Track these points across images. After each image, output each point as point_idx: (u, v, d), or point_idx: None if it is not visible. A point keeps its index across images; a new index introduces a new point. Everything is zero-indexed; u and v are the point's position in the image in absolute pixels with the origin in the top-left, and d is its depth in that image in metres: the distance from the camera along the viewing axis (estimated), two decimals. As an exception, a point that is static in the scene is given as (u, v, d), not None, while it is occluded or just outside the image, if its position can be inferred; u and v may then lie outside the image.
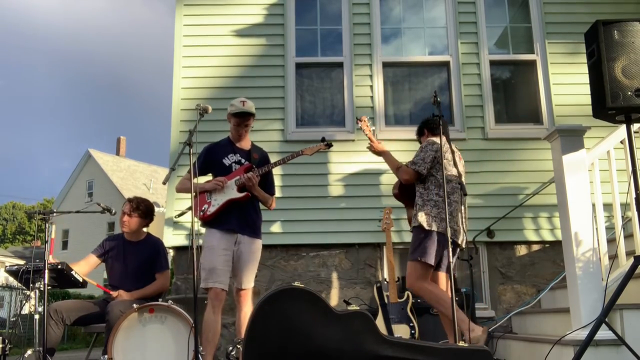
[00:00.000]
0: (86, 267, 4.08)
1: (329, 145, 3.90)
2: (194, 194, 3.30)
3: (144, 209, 4.12)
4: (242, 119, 3.78)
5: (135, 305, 3.42)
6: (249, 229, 3.74)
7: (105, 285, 4.15)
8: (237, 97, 4.85)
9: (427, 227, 3.66)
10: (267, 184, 3.89)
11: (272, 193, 3.94)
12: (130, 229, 4.09)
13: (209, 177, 3.88)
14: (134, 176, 31.81)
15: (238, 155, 3.83)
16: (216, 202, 3.68)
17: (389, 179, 5.10)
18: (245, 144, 3.90)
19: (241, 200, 3.69)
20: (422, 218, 3.68)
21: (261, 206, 3.92)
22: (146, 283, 4.03)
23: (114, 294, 3.93)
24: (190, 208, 3.83)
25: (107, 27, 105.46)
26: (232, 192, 3.70)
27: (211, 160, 3.80)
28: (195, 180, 3.39)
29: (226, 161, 3.80)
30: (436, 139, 3.83)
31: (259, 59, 5.52)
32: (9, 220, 48.97)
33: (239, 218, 3.70)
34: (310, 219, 5.19)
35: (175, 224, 5.09)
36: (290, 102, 5.43)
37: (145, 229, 4.22)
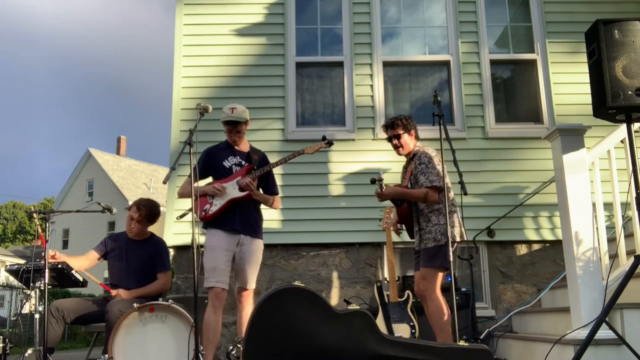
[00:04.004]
0: (86, 263, 4.11)
1: (330, 144, 3.89)
2: (194, 195, 3.31)
3: (152, 216, 4.17)
4: (232, 126, 3.78)
5: (135, 305, 3.42)
6: (251, 229, 3.75)
7: (106, 284, 4.15)
8: (237, 96, 4.86)
9: (459, 239, 3.69)
10: (268, 184, 3.89)
11: (275, 192, 3.94)
12: (135, 232, 4.12)
13: (209, 179, 3.88)
14: (135, 175, 31.79)
15: (238, 157, 3.84)
16: (218, 201, 3.68)
17: (390, 179, 5.09)
18: (244, 147, 3.91)
19: (243, 199, 3.69)
20: (453, 232, 3.65)
21: (263, 206, 3.91)
22: (147, 282, 4.04)
23: (113, 292, 3.94)
24: (191, 209, 3.83)
25: (104, 27, 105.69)
26: (233, 192, 3.70)
27: (211, 163, 3.81)
28: (195, 184, 3.40)
29: (226, 163, 3.80)
30: (428, 149, 3.86)
31: (259, 59, 5.52)
32: (10, 220, 48.97)
33: (241, 217, 3.70)
34: (310, 218, 5.19)
35: (176, 224, 5.09)
36: (290, 101, 5.43)
37: (148, 229, 4.24)
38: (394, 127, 3.94)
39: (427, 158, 3.78)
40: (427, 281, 3.71)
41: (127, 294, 3.93)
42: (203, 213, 3.68)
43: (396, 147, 3.96)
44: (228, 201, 3.68)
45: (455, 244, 3.73)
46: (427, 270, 3.72)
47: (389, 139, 3.98)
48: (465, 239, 3.79)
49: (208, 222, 3.72)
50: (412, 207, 3.89)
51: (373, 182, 3.86)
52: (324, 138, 3.88)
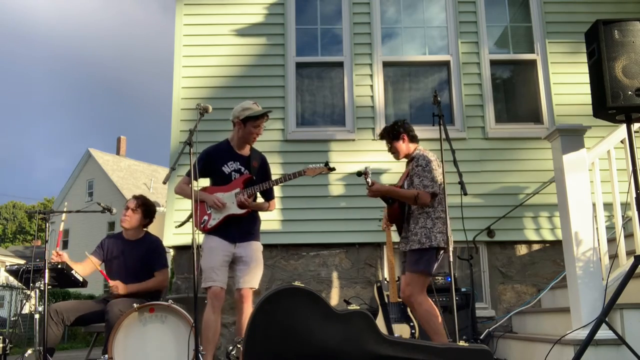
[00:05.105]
0: (87, 268, 4.09)
1: (332, 170, 3.87)
2: (194, 198, 3.30)
3: (147, 208, 4.18)
4: (262, 120, 3.77)
5: (135, 305, 3.41)
6: (248, 236, 3.74)
7: (105, 283, 4.16)
8: (237, 96, 4.84)
9: (444, 246, 3.63)
10: (266, 191, 3.87)
11: (271, 198, 3.93)
12: (131, 224, 4.11)
13: (207, 181, 3.86)
14: (134, 176, 31.79)
15: (238, 163, 3.78)
16: (216, 215, 3.67)
17: (389, 179, 5.10)
18: (245, 150, 3.86)
19: (241, 216, 3.69)
20: (439, 238, 3.63)
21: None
22: (144, 281, 4.04)
23: (111, 283, 3.94)
24: (190, 216, 3.81)
25: (103, 27, 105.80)
26: (232, 207, 3.67)
27: (211, 166, 3.76)
28: (195, 183, 3.39)
29: (226, 169, 3.76)
30: (428, 152, 3.85)
31: (259, 59, 5.52)
32: (10, 220, 48.97)
33: (238, 229, 3.70)
34: (310, 218, 5.19)
35: (176, 224, 5.09)
36: (290, 101, 5.43)
37: (144, 229, 4.24)
38: (382, 139, 4.06)
39: (424, 161, 3.76)
40: (411, 287, 3.68)
41: (124, 286, 3.92)
42: (202, 225, 3.68)
43: (392, 154, 4.04)
44: (226, 216, 3.66)
45: (442, 252, 3.66)
46: (411, 276, 3.70)
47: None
48: (450, 248, 3.68)
49: (205, 233, 3.72)
50: (403, 207, 3.88)
51: (359, 175, 3.88)
52: (326, 164, 3.87)
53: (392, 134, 3.95)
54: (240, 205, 3.66)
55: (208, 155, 3.81)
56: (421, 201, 3.69)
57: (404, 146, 3.95)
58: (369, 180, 3.79)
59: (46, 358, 3.52)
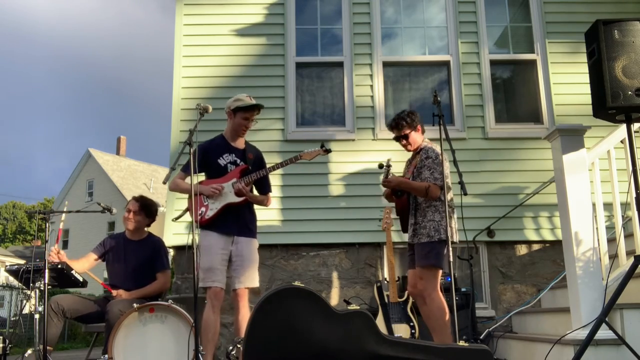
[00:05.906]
0: (85, 265, 4.11)
1: (328, 151, 3.86)
2: (193, 196, 3.29)
3: (149, 209, 4.18)
4: (252, 112, 3.77)
5: (135, 305, 3.41)
6: (246, 230, 3.74)
7: (106, 284, 4.16)
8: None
9: (453, 239, 3.64)
10: (263, 184, 3.88)
11: (268, 191, 3.93)
12: (134, 226, 4.11)
13: (203, 176, 3.86)
14: (134, 176, 31.79)
15: (233, 155, 3.80)
16: (214, 205, 3.66)
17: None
18: (240, 143, 3.87)
19: (239, 204, 3.69)
20: (446, 231, 3.60)
21: (257, 205, 3.90)
22: (146, 282, 4.04)
23: (114, 293, 3.94)
24: (187, 210, 3.82)
25: (103, 27, 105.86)
26: (229, 196, 3.67)
27: (206, 160, 3.76)
28: (195, 181, 3.38)
29: (221, 161, 3.77)
30: (436, 146, 3.83)
31: (259, 59, 5.52)
32: (9, 220, 48.97)
33: (236, 221, 3.69)
34: (310, 218, 5.19)
35: (176, 224, 5.08)
36: (290, 101, 5.42)
37: (146, 229, 4.24)
38: (400, 128, 3.93)
39: (434, 154, 3.78)
40: (424, 281, 3.70)
41: (127, 294, 3.93)
42: (199, 217, 3.67)
43: (405, 146, 3.98)
44: (224, 206, 3.66)
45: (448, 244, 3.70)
46: (422, 271, 3.71)
47: (397, 139, 3.99)
48: (456, 240, 3.74)
49: (203, 225, 3.71)
50: (410, 200, 3.89)
51: (381, 167, 3.86)
52: (322, 145, 3.85)
53: (412, 124, 3.90)
54: (238, 193, 3.66)
55: (203, 150, 3.79)
56: (431, 194, 3.71)
57: (418, 138, 3.95)
58: (390, 173, 3.80)
59: (46, 358, 3.52)
